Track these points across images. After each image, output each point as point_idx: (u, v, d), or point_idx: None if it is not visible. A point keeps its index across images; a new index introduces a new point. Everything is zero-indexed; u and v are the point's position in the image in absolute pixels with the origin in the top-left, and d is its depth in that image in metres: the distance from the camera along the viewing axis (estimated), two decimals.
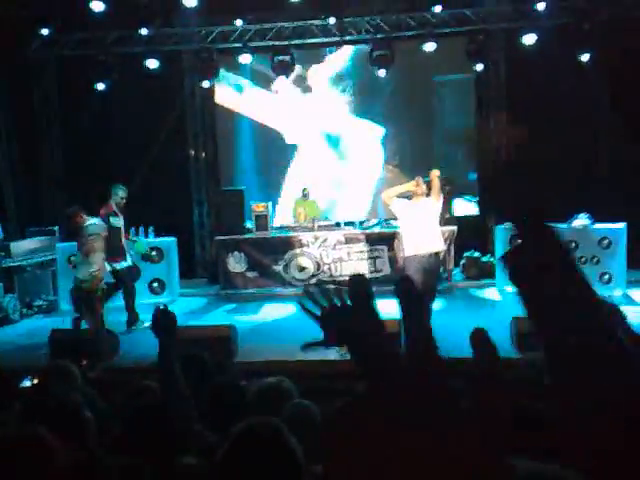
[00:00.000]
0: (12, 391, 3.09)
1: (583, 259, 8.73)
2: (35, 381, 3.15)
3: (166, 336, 2.55)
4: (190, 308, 9.42)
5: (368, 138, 11.47)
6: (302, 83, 11.57)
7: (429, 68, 11.12)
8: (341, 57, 11.49)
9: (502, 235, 9.18)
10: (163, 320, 2.57)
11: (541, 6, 9.89)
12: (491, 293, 9.30)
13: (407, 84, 11.28)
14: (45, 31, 10.74)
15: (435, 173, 7.01)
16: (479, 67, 10.69)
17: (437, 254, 7.13)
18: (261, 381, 3.21)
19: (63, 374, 3.35)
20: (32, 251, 9.54)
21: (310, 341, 1.50)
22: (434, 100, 11.40)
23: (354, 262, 9.64)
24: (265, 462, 1.59)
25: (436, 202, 7.05)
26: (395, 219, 9.48)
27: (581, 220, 8.90)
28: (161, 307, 2.62)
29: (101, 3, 9.49)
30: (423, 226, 6.97)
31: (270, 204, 10.19)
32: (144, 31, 10.70)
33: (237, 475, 1.59)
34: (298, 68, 11.19)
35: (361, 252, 9.61)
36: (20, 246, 9.43)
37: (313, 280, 9.72)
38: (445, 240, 9.20)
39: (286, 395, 3.08)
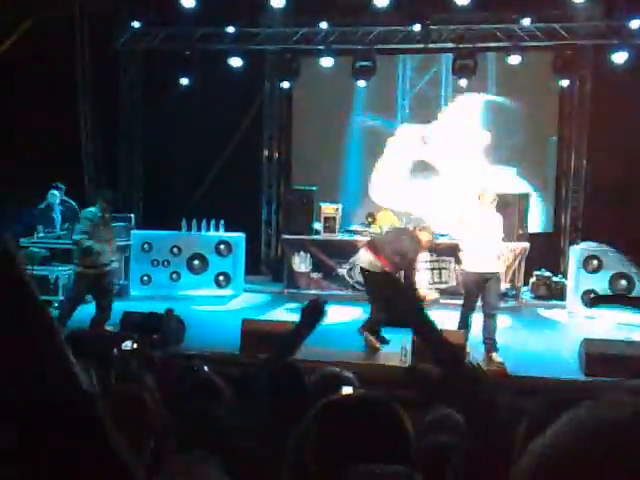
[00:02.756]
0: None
1: None
2: (135, 345, 3.40)
3: (309, 325, 2.68)
4: (253, 304, 9.56)
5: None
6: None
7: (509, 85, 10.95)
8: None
9: (576, 255, 8.92)
10: (316, 312, 2.68)
11: (635, 24, 9.56)
12: (560, 314, 9.03)
13: None
14: (136, 24, 11.13)
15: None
16: (564, 83, 10.43)
17: (497, 273, 6.99)
18: (322, 369, 3.28)
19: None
20: None
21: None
22: None
23: (420, 271, 9.53)
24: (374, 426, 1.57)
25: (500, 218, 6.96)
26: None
27: None
28: (321, 300, 2.75)
29: None
30: (485, 240, 6.75)
31: (340, 207, 10.20)
32: (230, 29, 10.94)
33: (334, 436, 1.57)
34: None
35: (427, 262, 9.51)
36: None
37: None
38: (516, 257, 9.04)
39: (347, 383, 3.13)
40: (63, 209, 10.32)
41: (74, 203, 10.52)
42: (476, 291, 6.82)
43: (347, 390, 3.10)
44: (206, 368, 3.65)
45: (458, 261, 9.29)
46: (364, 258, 7.22)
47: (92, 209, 7.27)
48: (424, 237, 7.11)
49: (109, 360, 3.22)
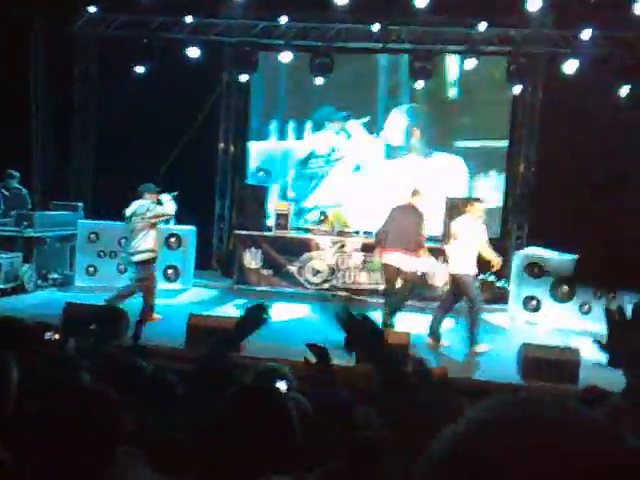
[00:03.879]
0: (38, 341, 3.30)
1: None
2: (56, 336, 3.34)
3: (253, 327, 2.55)
4: (201, 298, 9.49)
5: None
6: None
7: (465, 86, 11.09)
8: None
9: (520, 261, 9.10)
10: (257, 316, 2.55)
11: (586, 35, 9.78)
12: (501, 318, 9.20)
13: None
14: (92, 9, 10.89)
15: None
16: (517, 89, 10.62)
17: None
18: (261, 364, 3.32)
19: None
20: (54, 224, 9.68)
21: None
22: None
23: (369, 271, 9.61)
24: (260, 414, 1.67)
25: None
26: None
27: None
28: (264, 304, 2.58)
29: None
30: (475, 246, 7.38)
31: (293, 205, 10.21)
32: (189, 19, 10.79)
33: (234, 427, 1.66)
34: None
35: None
36: (43, 217, 9.58)
37: (326, 285, 9.74)
38: None
39: (282, 378, 3.17)
40: (9, 195, 10.08)
41: (25, 191, 10.27)
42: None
43: (281, 385, 3.12)
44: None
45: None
46: (401, 260, 7.51)
47: (146, 203, 7.55)
48: (419, 201, 7.57)
49: (34, 351, 3.14)
